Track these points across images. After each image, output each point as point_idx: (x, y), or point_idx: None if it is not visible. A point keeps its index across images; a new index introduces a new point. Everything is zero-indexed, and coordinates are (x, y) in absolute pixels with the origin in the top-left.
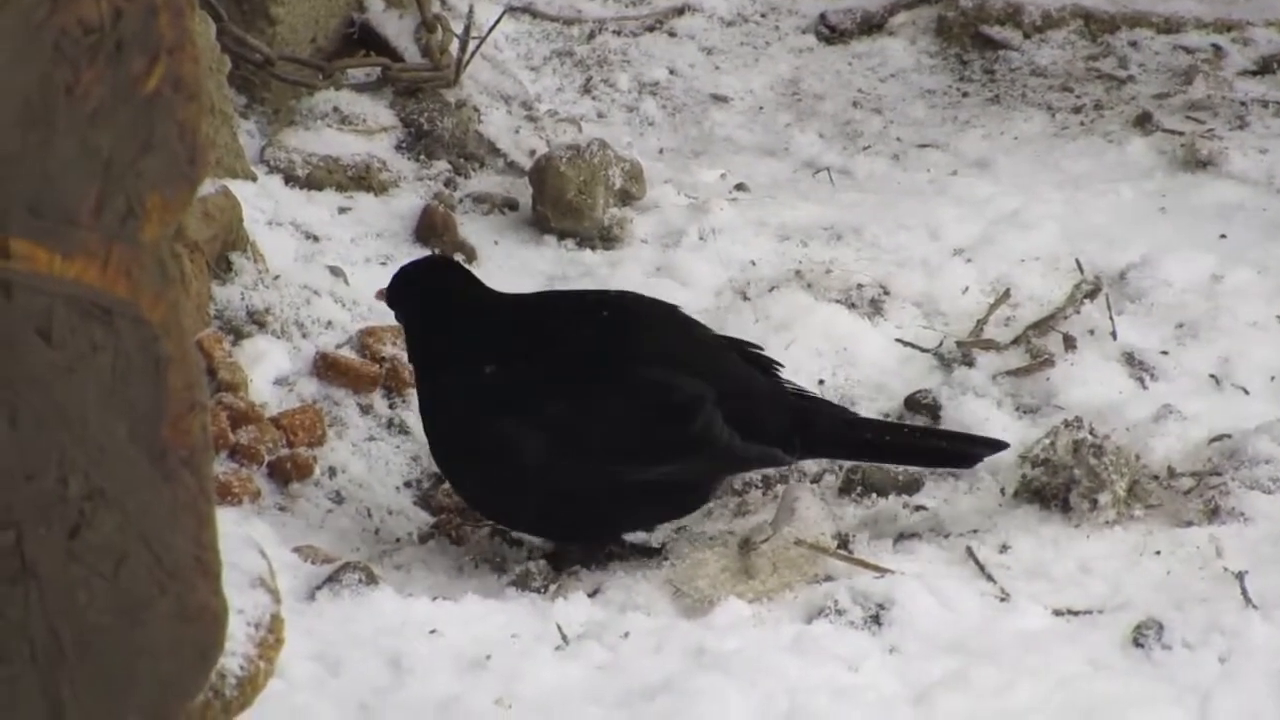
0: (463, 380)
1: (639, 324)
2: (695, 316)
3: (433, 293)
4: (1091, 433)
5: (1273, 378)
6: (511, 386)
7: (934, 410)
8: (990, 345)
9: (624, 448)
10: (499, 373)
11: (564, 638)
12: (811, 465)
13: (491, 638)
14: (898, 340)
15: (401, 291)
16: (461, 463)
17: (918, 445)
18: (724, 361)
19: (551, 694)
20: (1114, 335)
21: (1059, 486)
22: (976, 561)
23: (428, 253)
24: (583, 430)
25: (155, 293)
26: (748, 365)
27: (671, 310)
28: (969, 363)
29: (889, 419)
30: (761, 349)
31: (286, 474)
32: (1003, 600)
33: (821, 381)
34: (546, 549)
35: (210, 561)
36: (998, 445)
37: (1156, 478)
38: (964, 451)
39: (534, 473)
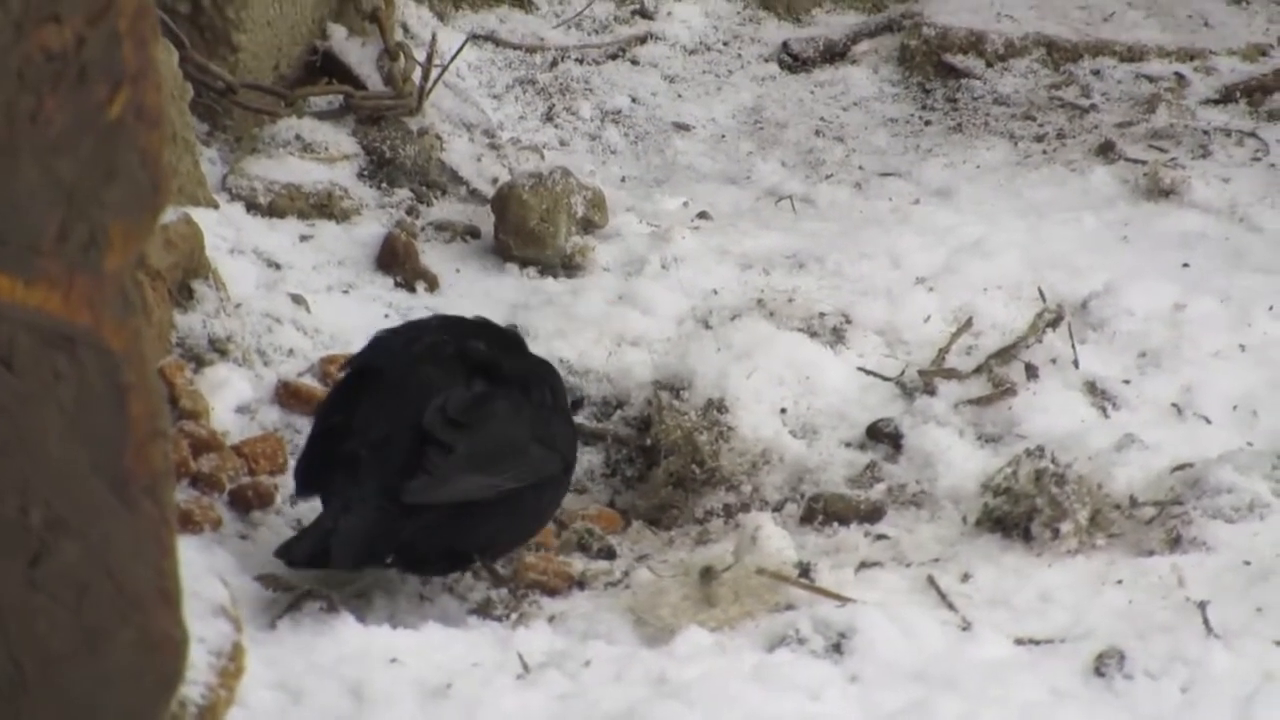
0: None
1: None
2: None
3: None
4: (1053, 462)
5: (1235, 407)
6: None
7: (896, 439)
8: (952, 374)
9: None
10: None
11: (525, 666)
12: (774, 494)
13: (453, 666)
14: (860, 369)
15: None
16: None
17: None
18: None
19: None
20: (1076, 364)
21: (1021, 515)
22: (938, 590)
23: (389, 280)
24: None
25: (118, 321)
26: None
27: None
28: (931, 391)
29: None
30: (446, 428)
31: (248, 502)
32: (964, 629)
33: (784, 410)
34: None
35: (172, 590)
36: None
37: (1118, 507)
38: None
39: None
